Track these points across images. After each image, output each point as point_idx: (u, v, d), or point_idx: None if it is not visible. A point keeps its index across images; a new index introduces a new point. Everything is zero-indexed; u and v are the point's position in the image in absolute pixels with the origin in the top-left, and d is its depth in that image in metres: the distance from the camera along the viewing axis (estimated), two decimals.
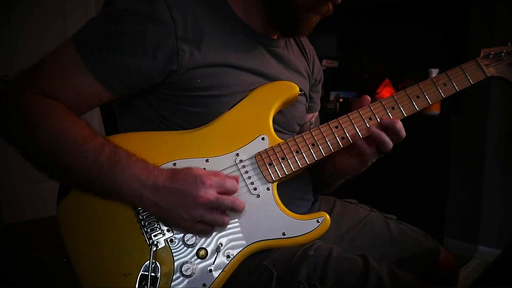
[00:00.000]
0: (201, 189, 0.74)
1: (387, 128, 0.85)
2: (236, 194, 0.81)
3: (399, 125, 0.85)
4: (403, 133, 0.85)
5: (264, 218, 0.81)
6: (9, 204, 3.02)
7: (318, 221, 0.81)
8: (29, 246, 2.67)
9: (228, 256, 0.78)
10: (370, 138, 0.86)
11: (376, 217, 1.05)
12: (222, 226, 0.78)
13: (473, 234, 2.58)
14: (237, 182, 0.80)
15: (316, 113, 1.14)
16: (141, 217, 0.79)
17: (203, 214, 0.75)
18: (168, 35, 0.78)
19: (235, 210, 0.79)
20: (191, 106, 0.84)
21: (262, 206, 0.82)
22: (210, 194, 0.74)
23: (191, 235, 0.78)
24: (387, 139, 0.85)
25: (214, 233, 0.79)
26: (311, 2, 0.84)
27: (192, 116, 0.85)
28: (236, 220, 0.80)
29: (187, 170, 0.76)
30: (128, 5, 0.78)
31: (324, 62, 2.94)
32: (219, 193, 0.76)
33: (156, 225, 0.79)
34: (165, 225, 0.79)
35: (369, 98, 0.89)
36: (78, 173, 0.76)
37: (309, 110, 1.08)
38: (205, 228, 0.77)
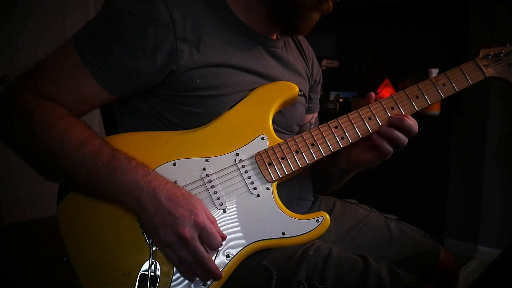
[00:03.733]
0: (189, 225, 0.72)
1: (396, 126, 0.85)
2: (235, 193, 0.81)
3: (408, 122, 0.84)
4: (414, 128, 0.85)
5: (263, 217, 0.81)
6: (9, 204, 3.03)
7: (317, 221, 0.81)
8: (29, 246, 2.67)
9: (227, 256, 0.78)
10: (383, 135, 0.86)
11: (376, 217, 1.05)
12: (186, 263, 0.74)
13: (473, 234, 2.58)
14: (223, 240, 0.76)
15: (316, 114, 1.14)
16: None
17: (175, 245, 0.72)
18: (167, 35, 0.78)
19: (201, 265, 0.74)
20: (191, 106, 0.84)
21: (262, 206, 0.82)
22: (192, 235, 0.72)
23: None
24: (398, 135, 0.85)
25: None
26: (313, 0, 0.84)
27: (191, 116, 0.85)
28: (236, 219, 0.80)
29: (190, 199, 0.74)
30: (127, 6, 0.78)
31: (324, 62, 2.94)
32: (201, 239, 0.73)
33: None
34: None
35: (373, 95, 0.90)
36: (76, 176, 0.75)
37: (309, 111, 1.08)
38: (172, 256, 0.74)
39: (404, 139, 0.86)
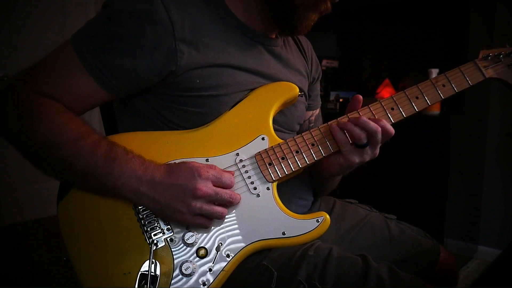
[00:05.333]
0: (198, 182, 0.74)
1: (356, 125, 0.82)
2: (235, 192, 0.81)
3: (362, 119, 0.81)
4: (371, 126, 0.81)
5: (264, 217, 0.81)
6: (9, 204, 3.02)
7: (318, 221, 0.82)
8: (29, 246, 2.67)
9: (228, 256, 0.78)
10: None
11: (376, 217, 1.05)
12: (220, 219, 0.78)
13: (473, 234, 2.58)
14: (233, 176, 0.80)
15: (317, 111, 1.14)
16: (140, 216, 0.79)
17: (201, 206, 0.75)
18: (166, 36, 0.78)
19: (232, 204, 0.79)
20: (191, 106, 0.84)
21: (262, 206, 0.82)
22: (208, 187, 0.75)
23: (191, 234, 0.78)
24: (355, 130, 0.81)
25: (214, 232, 0.80)
26: (310, 0, 0.84)
27: (192, 116, 0.85)
28: (236, 219, 0.80)
29: (183, 164, 0.77)
30: (126, 7, 0.78)
31: (324, 62, 2.94)
32: (215, 186, 0.76)
33: (156, 224, 0.79)
34: (164, 221, 0.79)
35: (360, 97, 0.88)
36: (75, 170, 0.76)
37: (308, 108, 1.09)
38: (204, 221, 0.77)
39: (359, 134, 0.81)
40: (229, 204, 0.78)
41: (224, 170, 0.80)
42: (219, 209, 0.77)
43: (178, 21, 0.79)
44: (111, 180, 0.75)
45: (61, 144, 0.75)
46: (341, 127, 0.84)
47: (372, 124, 0.82)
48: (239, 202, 0.80)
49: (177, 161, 0.81)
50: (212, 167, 0.78)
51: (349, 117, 0.86)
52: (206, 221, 0.77)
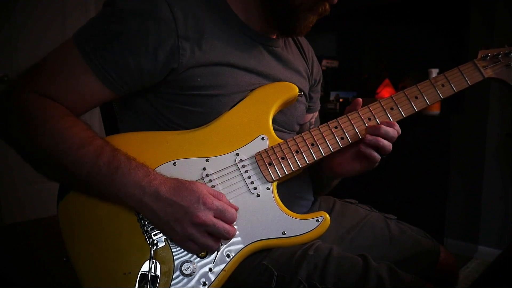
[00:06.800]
0: (201, 209, 0.73)
1: (374, 135, 0.85)
2: (236, 193, 0.81)
3: (383, 129, 0.84)
4: (391, 134, 0.85)
5: (264, 217, 0.81)
6: (9, 204, 3.02)
7: (318, 221, 0.82)
8: (29, 246, 2.67)
9: (228, 255, 0.79)
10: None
11: (376, 217, 1.05)
12: (210, 250, 0.77)
13: (473, 234, 2.58)
14: (236, 211, 0.79)
15: (316, 113, 1.14)
16: (141, 216, 0.79)
17: (196, 235, 0.74)
18: (169, 33, 0.78)
19: (227, 239, 0.78)
20: (191, 105, 0.84)
21: (262, 206, 0.82)
22: (208, 217, 0.74)
23: None
24: (384, 142, 0.84)
25: None
26: (308, 2, 0.84)
27: (192, 115, 0.85)
28: (236, 219, 0.80)
29: (192, 186, 0.75)
30: (129, 4, 0.78)
31: (324, 62, 2.94)
32: (216, 218, 0.75)
33: None
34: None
35: (361, 100, 0.90)
36: (77, 176, 0.75)
37: (309, 110, 1.09)
38: (194, 248, 0.76)
39: (388, 145, 0.85)
40: (223, 238, 0.77)
41: (230, 204, 0.79)
42: (211, 242, 0.75)
43: (181, 19, 0.79)
44: (114, 189, 0.74)
45: (63, 150, 0.74)
46: (371, 144, 0.85)
47: (392, 132, 0.85)
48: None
49: (178, 161, 0.81)
50: (219, 196, 0.77)
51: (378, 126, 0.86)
52: (196, 248, 0.76)
